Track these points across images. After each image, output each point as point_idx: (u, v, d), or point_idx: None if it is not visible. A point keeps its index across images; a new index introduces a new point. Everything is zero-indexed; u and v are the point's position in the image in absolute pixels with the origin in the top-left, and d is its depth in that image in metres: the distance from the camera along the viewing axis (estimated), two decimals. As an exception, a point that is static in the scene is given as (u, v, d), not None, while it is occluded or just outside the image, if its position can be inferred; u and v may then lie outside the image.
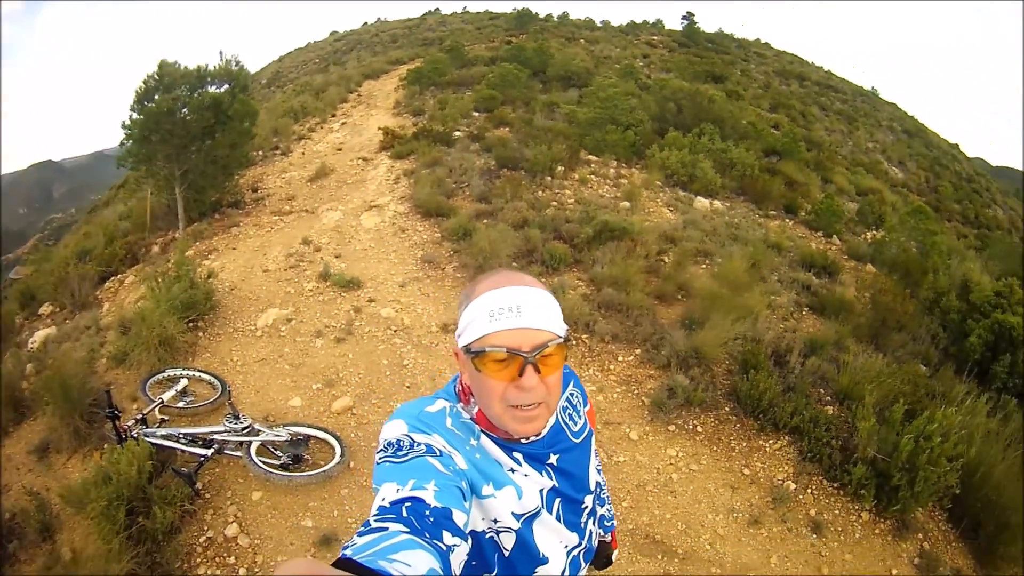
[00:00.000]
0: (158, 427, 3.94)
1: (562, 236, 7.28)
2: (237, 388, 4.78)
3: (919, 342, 6.01)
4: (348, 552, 0.72)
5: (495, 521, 1.07)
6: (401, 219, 8.10)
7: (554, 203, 8.50)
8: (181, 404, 4.37)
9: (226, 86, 9.24)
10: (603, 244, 6.92)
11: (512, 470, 1.10)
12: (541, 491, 1.13)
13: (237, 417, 3.99)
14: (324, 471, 3.86)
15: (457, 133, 12.05)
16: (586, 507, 1.24)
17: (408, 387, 4.90)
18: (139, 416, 3.83)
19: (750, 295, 5.94)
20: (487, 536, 1.07)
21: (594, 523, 1.29)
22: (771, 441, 4.47)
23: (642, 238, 7.13)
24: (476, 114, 14.04)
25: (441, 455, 0.99)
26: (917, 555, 3.77)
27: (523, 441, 1.11)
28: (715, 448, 4.46)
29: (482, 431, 1.11)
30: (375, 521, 0.80)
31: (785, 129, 16.73)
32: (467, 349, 1.03)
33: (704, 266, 7.14)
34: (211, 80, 9.05)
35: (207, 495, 3.75)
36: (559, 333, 1.03)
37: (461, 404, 1.15)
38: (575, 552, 1.21)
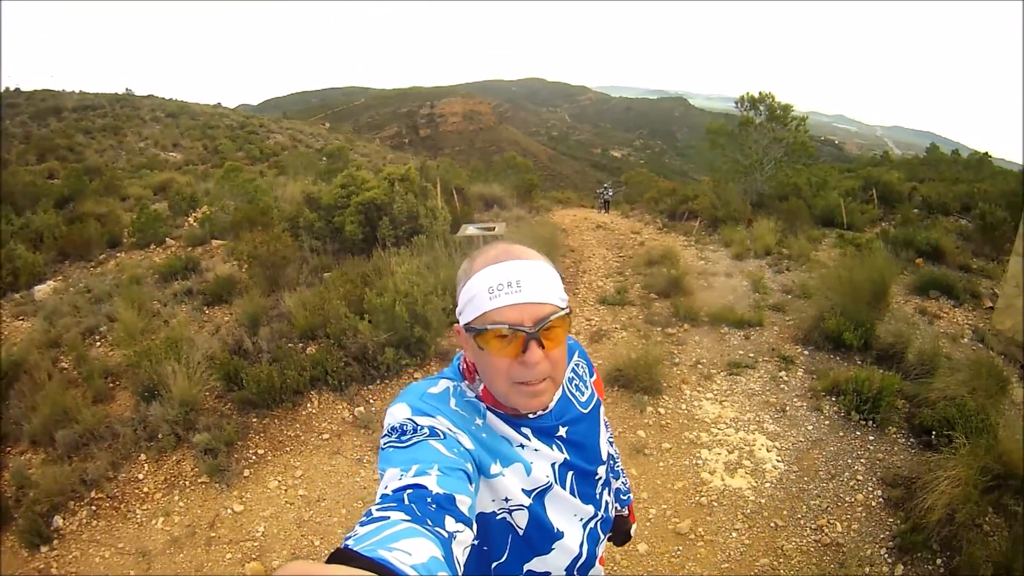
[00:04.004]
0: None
1: None
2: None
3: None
4: (349, 542, 0.81)
5: (506, 500, 1.23)
6: None
7: None
8: None
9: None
10: None
11: (521, 445, 1.28)
12: (553, 465, 1.31)
13: None
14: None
15: None
16: (599, 478, 1.44)
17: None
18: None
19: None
20: (498, 517, 1.24)
21: (609, 493, 1.51)
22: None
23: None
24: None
25: (445, 437, 1.14)
26: None
27: (531, 416, 1.29)
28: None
29: (488, 408, 1.28)
30: (377, 510, 0.92)
31: (64, 173, 19.19)
32: (468, 327, 1.19)
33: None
34: None
35: None
36: (560, 305, 1.20)
37: (466, 382, 1.33)
38: (592, 524, 1.40)
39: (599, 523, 1.43)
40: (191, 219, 13.54)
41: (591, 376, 1.57)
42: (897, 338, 6.62)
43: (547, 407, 1.30)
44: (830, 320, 6.97)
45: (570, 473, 1.34)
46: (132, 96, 48.39)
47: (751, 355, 7.03)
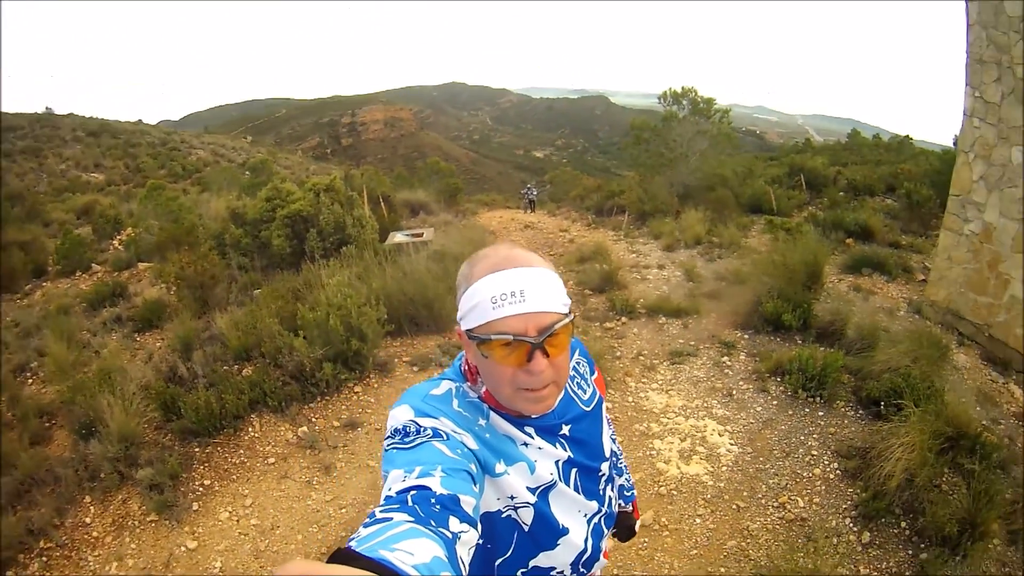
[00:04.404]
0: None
1: None
2: None
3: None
4: (352, 544, 0.81)
5: (512, 498, 1.26)
6: None
7: None
8: None
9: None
10: None
11: (525, 444, 1.30)
12: (557, 463, 1.34)
13: None
14: None
15: None
16: (603, 474, 1.48)
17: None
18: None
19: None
20: (503, 515, 1.27)
21: (612, 489, 1.56)
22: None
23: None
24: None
25: (448, 438, 1.16)
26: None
27: (534, 415, 1.30)
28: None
29: (491, 408, 1.30)
30: (380, 512, 0.93)
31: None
32: (471, 334, 1.19)
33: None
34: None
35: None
36: (564, 312, 1.21)
37: (468, 383, 1.34)
38: (596, 519, 1.44)
39: (603, 518, 1.47)
40: (116, 242, 13.21)
41: (592, 374, 1.60)
42: (835, 316, 6.82)
43: (550, 410, 1.32)
44: (768, 303, 7.11)
45: (574, 470, 1.38)
46: (52, 115, 46.88)
47: (692, 343, 7.10)
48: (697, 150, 16.36)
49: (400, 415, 1.20)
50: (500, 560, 1.30)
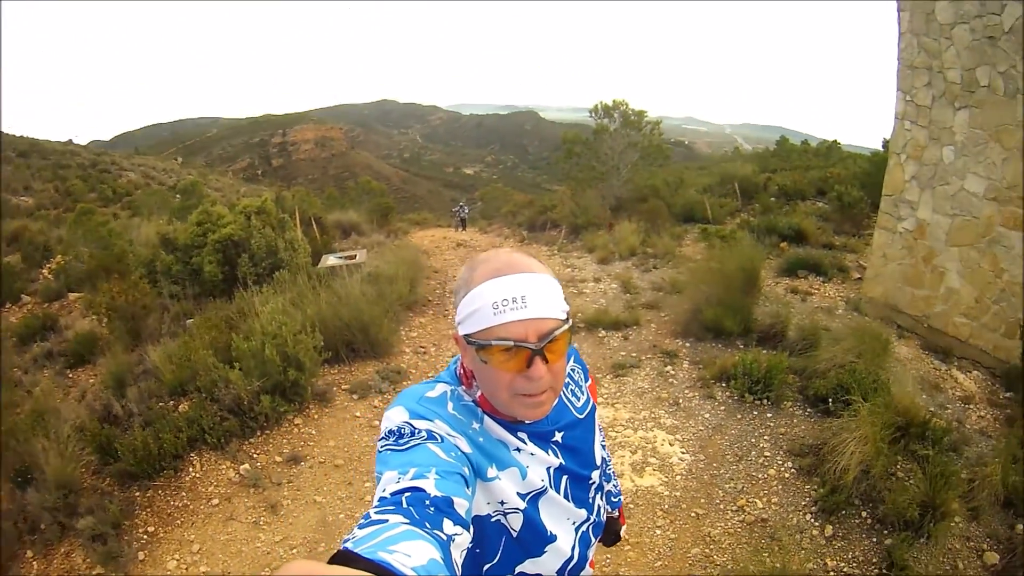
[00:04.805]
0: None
1: None
2: None
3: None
4: (348, 544, 0.83)
5: (502, 503, 1.28)
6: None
7: None
8: None
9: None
10: None
11: (518, 449, 1.32)
12: (548, 469, 1.36)
13: None
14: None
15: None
16: (593, 483, 1.49)
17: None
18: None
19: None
20: (493, 520, 1.28)
21: (601, 498, 1.57)
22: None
23: None
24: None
25: (443, 441, 1.17)
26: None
27: (527, 421, 1.33)
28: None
29: (485, 413, 1.32)
30: (375, 513, 0.94)
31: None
32: (469, 340, 1.21)
33: None
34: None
35: None
36: (563, 318, 1.22)
37: (463, 387, 1.36)
38: (584, 527, 1.46)
39: (591, 527, 1.49)
40: (46, 271, 12.59)
41: (586, 381, 1.62)
42: (775, 319, 7.00)
43: (546, 415, 1.33)
44: (707, 310, 7.24)
45: (564, 477, 1.40)
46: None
47: (633, 355, 7.14)
48: (628, 162, 16.72)
49: (395, 416, 1.22)
50: (488, 565, 1.32)
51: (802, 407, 5.57)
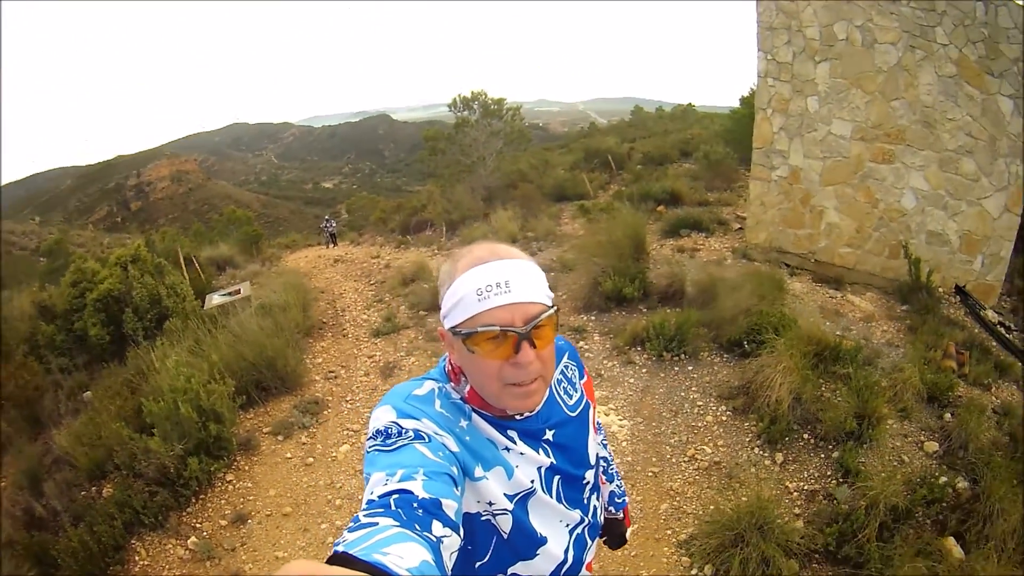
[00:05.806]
0: None
1: None
2: None
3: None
4: (340, 547, 0.83)
5: (490, 503, 1.27)
6: None
7: None
8: None
9: None
10: None
11: (507, 448, 1.31)
12: (539, 469, 1.35)
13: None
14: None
15: None
16: (587, 483, 1.49)
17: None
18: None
19: None
20: (483, 519, 1.28)
21: (599, 498, 1.57)
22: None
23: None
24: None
25: (430, 440, 1.16)
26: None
27: (517, 417, 1.33)
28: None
29: (474, 410, 1.31)
30: (364, 516, 0.95)
31: None
32: (455, 331, 1.22)
33: None
34: None
35: None
36: (548, 303, 1.24)
37: (451, 384, 1.35)
38: (579, 529, 1.46)
39: (587, 528, 1.48)
40: None
41: (581, 378, 1.61)
42: (671, 279, 7.43)
43: (534, 409, 1.33)
44: (605, 282, 7.54)
45: (556, 477, 1.39)
46: None
47: (542, 336, 7.24)
48: (493, 151, 17.00)
49: (382, 416, 1.21)
50: (479, 563, 1.32)
51: (719, 355, 5.96)
